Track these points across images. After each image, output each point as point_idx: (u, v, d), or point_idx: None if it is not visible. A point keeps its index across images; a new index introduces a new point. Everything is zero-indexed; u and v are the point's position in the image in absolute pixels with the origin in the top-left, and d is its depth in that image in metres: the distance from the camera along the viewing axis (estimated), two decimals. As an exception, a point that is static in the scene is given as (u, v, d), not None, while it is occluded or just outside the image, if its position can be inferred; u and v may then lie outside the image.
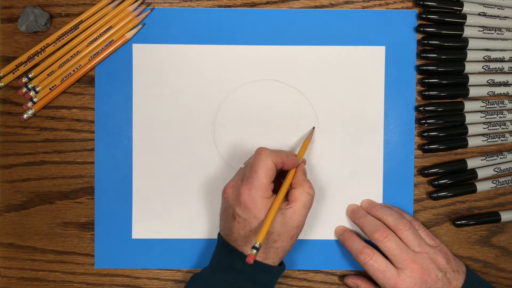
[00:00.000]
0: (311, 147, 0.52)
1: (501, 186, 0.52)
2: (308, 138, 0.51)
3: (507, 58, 0.52)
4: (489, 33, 0.51)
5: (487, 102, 0.52)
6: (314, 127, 0.52)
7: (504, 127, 0.52)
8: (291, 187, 0.46)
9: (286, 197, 0.46)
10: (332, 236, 0.53)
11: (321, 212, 0.53)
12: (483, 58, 0.52)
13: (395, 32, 0.52)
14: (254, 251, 0.40)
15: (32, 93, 0.52)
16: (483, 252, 0.54)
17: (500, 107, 0.52)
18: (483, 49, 0.52)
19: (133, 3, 0.52)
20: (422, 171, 0.52)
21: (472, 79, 0.52)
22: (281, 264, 0.47)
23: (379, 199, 0.53)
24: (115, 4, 0.52)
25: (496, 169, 0.52)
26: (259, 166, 0.44)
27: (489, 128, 0.52)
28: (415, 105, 0.52)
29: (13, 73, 0.52)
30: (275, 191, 0.45)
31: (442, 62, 0.52)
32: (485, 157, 0.52)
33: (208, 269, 0.46)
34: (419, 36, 0.52)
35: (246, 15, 0.52)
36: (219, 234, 0.47)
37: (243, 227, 0.43)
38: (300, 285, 0.53)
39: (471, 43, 0.51)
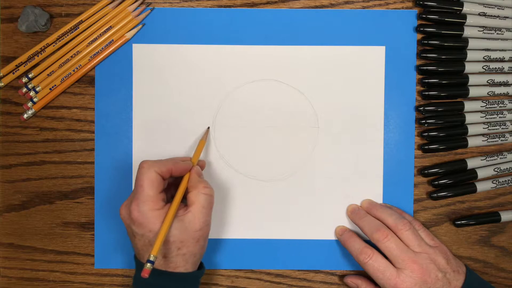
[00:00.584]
0: (312, 147, 0.52)
1: (501, 186, 0.52)
2: (203, 139, 0.51)
3: (507, 58, 0.52)
4: (489, 33, 0.51)
5: (487, 102, 0.52)
6: (209, 127, 0.52)
7: (504, 127, 0.52)
8: (187, 191, 0.46)
9: (185, 202, 0.46)
10: (332, 236, 0.53)
11: (321, 212, 0.53)
12: (483, 58, 0.52)
13: (395, 32, 0.52)
14: (148, 264, 0.40)
15: (32, 93, 0.52)
16: (483, 252, 0.54)
17: (500, 107, 0.52)
18: (483, 49, 0.52)
19: (133, 3, 0.52)
20: (422, 171, 0.52)
21: (472, 79, 0.52)
22: (201, 267, 0.47)
23: (379, 199, 0.53)
24: (115, 4, 0.52)
25: (496, 169, 0.52)
26: (143, 180, 0.43)
27: (489, 128, 0.52)
28: (415, 105, 0.52)
29: (13, 73, 0.52)
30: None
31: (442, 62, 0.52)
32: (485, 157, 0.52)
33: None
34: (419, 36, 0.52)
35: (246, 15, 0.52)
36: (134, 256, 0.46)
37: (144, 242, 0.43)
38: (300, 285, 0.53)
39: (471, 43, 0.51)
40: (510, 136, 0.53)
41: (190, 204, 0.44)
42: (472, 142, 0.52)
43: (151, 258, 0.41)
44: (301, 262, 0.53)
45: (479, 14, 0.51)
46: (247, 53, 0.52)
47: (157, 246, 0.41)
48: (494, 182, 0.52)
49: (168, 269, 0.43)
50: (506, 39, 0.52)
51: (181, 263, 0.44)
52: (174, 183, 0.48)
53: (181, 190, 0.45)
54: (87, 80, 0.53)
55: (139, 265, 0.45)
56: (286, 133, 0.52)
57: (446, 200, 0.53)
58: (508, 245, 0.54)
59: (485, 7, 0.51)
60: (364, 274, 0.52)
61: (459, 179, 0.52)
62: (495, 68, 0.52)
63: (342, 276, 0.53)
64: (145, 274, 0.40)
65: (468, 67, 0.51)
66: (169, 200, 0.46)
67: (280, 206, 0.53)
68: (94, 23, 0.52)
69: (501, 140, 0.52)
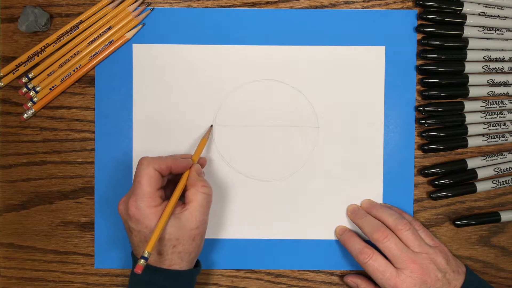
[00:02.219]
0: (312, 147, 0.52)
1: (501, 186, 0.52)
2: (205, 137, 0.50)
3: (507, 58, 0.52)
4: (489, 33, 0.51)
5: (487, 102, 0.52)
6: (212, 125, 0.52)
7: (504, 127, 0.52)
8: (186, 189, 0.46)
9: (183, 200, 0.45)
10: (332, 236, 0.53)
11: (321, 212, 0.53)
12: (483, 58, 0.52)
13: (395, 32, 0.52)
14: (142, 261, 0.40)
15: (32, 93, 0.52)
16: (483, 252, 0.54)
17: (500, 107, 0.52)
18: (483, 49, 0.52)
19: (133, 3, 0.52)
20: (422, 171, 0.52)
21: (472, 79, 0.52)
22: (197, 265, 0.47)
23: (379, 199, 0.53)
24: (115, 4, 0.52)
25: (496, 169, 0.52)
26: (141, 176, 0.43)
27: (489, 128, 0.52)
28: (415, 105, 0.52)
29: (13, 73, 0.52)
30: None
31: (442, 62, 0.52)
32: (485, 157, 0.52)
33: (128, 286, 0.46)
34: (419, 36, 0.52)
35: (246, 15, 0.52)
36: (131, 252, 0.46)
37: (140, 239, 0.43)
38: (300, 285, 0.53)
39: (471, 43, 0.51)
40: (510, 136, 0.53)
41: (187, 202, 0.44)
42: (472, 142, 0.52)
43: (145, 255, 0.41)
44: (301, 262, 0.53)
45: (479, 14, 0.51)
46: (247, 53, 0.52)
47: (151, 242, 0.41)
48: (494, 182, 0.52)
49: (163, 266, 0.43)
50: (506, 39, 0.52)
51: (176, 261, 0.44)
52: (173, 180, 0.48)
53: (180, 188, 0.45)
54: (87, 80, 0.53)
55: (135, 261, 0.45)
56: (286, 133, 0.52)
57: (446, 200, 0.53)
58: (508, 245, 0.54)
59: (485, 7, 0.51)
60: (364, 274, 0.52)
61: (459, 179, 0.52)
62: (495, 68, 0.52)
63: (342, 276, 0.53)
64: (138, 270, 0.40)
65: (468, 67, 0.51)
66: (168, 197, 0.46)
67: (280, 206, 0.53)
68: (94, 23, 0.52)
69: (501, 140, 0.52)
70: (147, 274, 0.43)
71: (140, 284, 0.44)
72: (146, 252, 0.41)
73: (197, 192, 0.44)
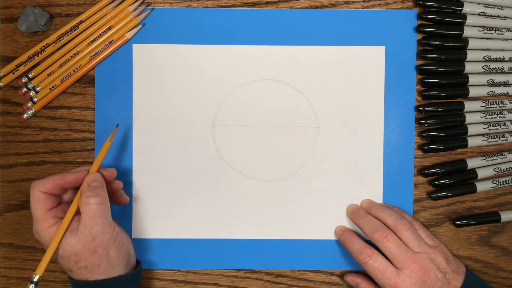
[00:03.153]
0: (312, 147, 0.52)
1: (501, 186, 0.52)
2: (108, 140, 0.47)
3: (507, 58, 0.52)
4: (489, 33, 0.51)
5: (487, 102, 0.52)
6: (118, 125, 0.50)
7: (504, 127, 0.52)
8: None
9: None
10: (332, 236, 0.53)
11: (321, 212, 0.53)
12: (483, 58, 0.52)
13: (395, 32, 0.52)
14: (31, 285, 0.41)
15: (32, 93, 0.52)
16: (483, 252, 0.54)
17: (500, 107, 0.52)
18: (483, 49, 0.52)
19: (133, 3, 0.52)
20: (422, 171, 0.52)
21: (472, 79, 0.52)
22: (138, 264, 0.47)
23: (379, 199, 0.53)
24: (115, 4, 0.52)
25: (496, 169, 0.52)
26: (31, 201, 0.44)
27: (489, 128, 0.52)
28: (415, 105, 0.52)
29: (13, 73, 0.52)
30: None
31: (442, 62, 0.52)
32: (485, 157, 0.52)
33: None
34: (419, 36, 0.52)
35: (246, 15, 0.52)
36: None
37: (55, 258, 0.44)
38: (300, 285, 0.53)
39: (471, 43, 0.51)
40: (510, 136, 0.53)
41: (81, 216, 0.44)
42: (472, 142, 0.52)
43: (34, 279, 0.41)
44: (301, 262, 0.53)
45: (479, 14, 0.51)
46: (247, 53, 0.52)
47: (41, 266, 0.42)
48: (494, 182, 0.52)
49: (83, 279, 0.43)
50: (506, 39, 0.52)
51: (87, 275, 0.43)
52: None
53: (74, 202, 0.45)
54: (87, 80, 0.53)
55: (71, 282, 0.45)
56: (286, 133, 0.52)
57: (446, 200, 0.53)
58: (508, 245, 0.54)
59: (485, 7, 0.51)
60: (364, 274, 0.52)
61: (459, 179, 0.52)
62: (495, 68, 0.52)
63: (342, 276, 0.53)
64: None
65: (468, 67, 0.51)
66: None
67: (280, 206, 0.53)
68: (94, 23, 0.52)
69: (501, 140, 0.52)
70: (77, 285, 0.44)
71: None
72: (35, 275, 0.41)
73: (82, 204, 0.43)
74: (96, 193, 0.44)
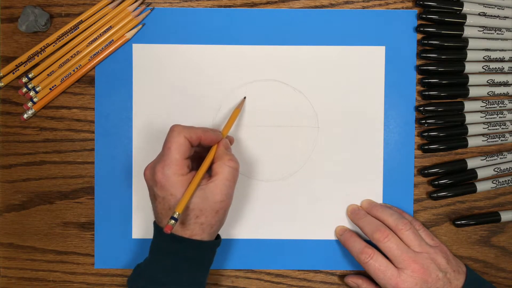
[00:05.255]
0: (312, 147, 0.52)
1: (501, 186, 0.52)
2: (238, 107, 0.50)
3: (507, 58, 0.52)
4: (489, 33, 0.51)
5: (487, 102, 0.52)
6: (245, 97, 0.52)
7: (504, 127, 0.52)
8: (213, 162, 0.46)
9: (210, 173, 0.45)
10: (332, 236, 0.53)
11: (321, 212, 0.53)
12: (483, 58, 0.52)
13: (395, 32, 0.52)
14: (172, 221, 0.40)
15: (32, 93, 0.52)
16: (483, 252, 0.54)
17: (500, 107, 0.52)
18: (483, 49, 0.52)
19: (133, 3, 0.52)
20: (422, 171, 0.52)
21: (472, 79, 0.52)
22: (217, 238, 0.47)
23: (379, 199, 0.53)
24: (115, 4, 0.52)
25: (496, 169, 0.52)
26: (171, 143, 0.43)
27: (489, 128, 0.52)
28: (415, 105, 0.52)
29: (13, 73, 0.52)
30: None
31: (442, 62, 0.52)
32: (485, 157, 0.52)
33: (148, 256, 0.46)
34: (419, 36, 0.52)
35: (246, 15, 0.52)
36: (154, 221, 0.46)
37: (163, 206, 0.43)
38: (300, 285, 0.53)
39: (471, 43, 0.51)
40: (510, 136, 0.53)
41: (213, 175, 0.44)
42: (472, 142, 0.52)
43: (175, 215, 0.40)
44: (301, 262, 0.53)
45: (479, 14, 0.51)
46: (247, 53, 0.52)
47: (182, 204, 0.41)
48: (494, 182, 0.52)
49: (184, 235, 0.43)
50: (506, 39, 0.52)
51: (198, 232, 0.43)
52: (199, 154, 0.47)
53: (208, 160, 0.45)
54: (87, 80, 0.53)
55: (157, 230, 0.45)
56: (286, 133, 0.52)
57: (446, 200, 0.53)
58: (508, 245, 0.54)
59: (485, 7, 0.51)
60: (364, 274, 0.52)
61: (459, 179, 0.52)
62: (495, 68, 0.52)
63: (342, 276, 0.53)
64: (167, 230, 0.40)
65: (468, 67, 0.52)
66: (193, 169, 0.45)
67: (280, 206, 0.53)
68: (94, 23, 0.52)
69: (501, 140, 0.52)
70: (167, 242, 0.43)
71: (160, 252, 0.44)
72: (176, 213, 0.40)
73: (223, 165, 0.44)
74: (234, 158, 0.45)
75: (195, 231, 0.43)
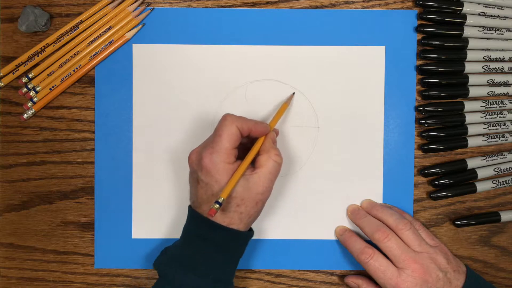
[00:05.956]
0: (312, 147, 0.52)
1: (501, 186, 0.52)
2: (286, 102, 0.51)
3: (507, 58, 0.52)
4: (489, 33, 0.51)
5: (487, 102, 0.52)
6: (294, 93, 0.52)
7: (504, 127, 0.52)
8: (258, 154, 0.46)
9: (253, 164, 0.46)
10: (332, 236, 0.53)
11: (321, 212, 0.53)
12: (483, 58, 0.52)
13: (395, 32, 0.52)
14: (217, 205, 0.40)
15: (32, 93, 0.52)
16: (483, 252, 0.54)
17: (500, 107, 0.52)
18: (483, 49, 0.52)
19: (133, 3, 0.52)
20: (422, 171, 0.52)
21: (472, 79, 0.52)
22: (250, 230, 0.47)
23: (379, 199, 0.53)
24: (115, 4, 0.52)
25: (496, 169, 0.52)
26: (222, 131, 0.44)
27: (489, 128, 0.52)
28: (415, 105, 0.52)
29: (13, 73, 0.52)
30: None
31: (442, 62, 0.52)
32: (485, 157, 0.52)
33: (179, 240, 0.46)
34: (419, 36, 0.52)
35: (246, 15, 0.52)
36: (189, 205, 0.46)
37: (206, 191, 0.43)
38: (300, 285, 0.53)
39: (471, 43, 0.51)
40: (510, 136, 0.53)
41: (258, 167, 0.45)
42: (472, 142, 0.52)
43: (220, 200, 0.41)
44: (301, 262, 0.53)
45: (479, 14, 0.51)
46: (247, 53, 0.52)
47: (227, 190, 0.42)
48: (494, 182, 0.52)
49: (223, 223, 0.43)
50: (506, 39, 0.52)
51: (236, 221, 0.43)
52: (243, 146, 0.48)
53: (254, 151, 0.45)
54: (87, 80, 0.53)
55: (192, 215, 0.45)
56: (286, 133, 0.52)
57: (446, 200, 0.53)
58: (508, 245, 0.54)
59: (485, 7, 0.51)
60: (364, 274, 0.52)
61: (459, 179, 0.52)
62: (495, 68, 0.52)
63: (342, 276, 0.53)
64: (211, 213, 0.40)
65: (468, 67, 0.52)
66: (238, 159, 0.46)
67: (280, 206, 0.53)
68: (94, 23, 0.52)
69: (501, 140, 0.52)
70: (204, 228, 0.43)
71: (194, 237, 0.44)
72: (221, 198, 0.41)
73: (269, 158, 0.45)
74: (279, 153, 0.46)
75: (234, 219, 0.43)
